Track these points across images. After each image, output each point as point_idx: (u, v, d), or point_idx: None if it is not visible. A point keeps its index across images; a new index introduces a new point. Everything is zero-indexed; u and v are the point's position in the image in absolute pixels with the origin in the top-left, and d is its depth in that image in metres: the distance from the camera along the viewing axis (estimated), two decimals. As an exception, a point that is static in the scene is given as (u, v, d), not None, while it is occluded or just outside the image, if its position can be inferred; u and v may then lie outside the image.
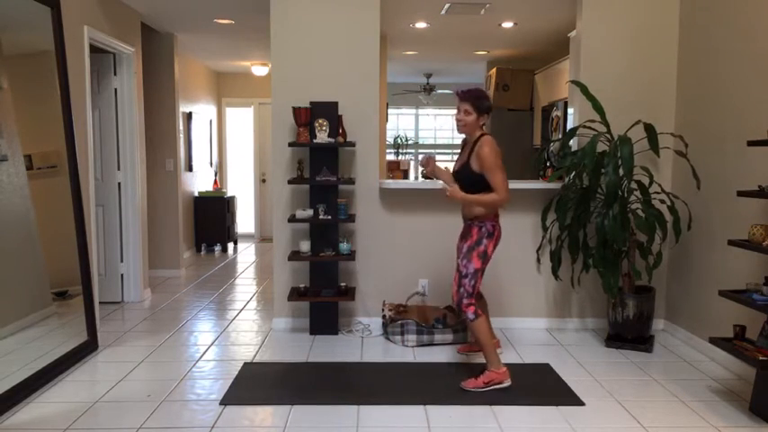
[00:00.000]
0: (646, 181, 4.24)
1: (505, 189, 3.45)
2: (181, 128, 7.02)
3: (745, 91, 3.78)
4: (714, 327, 3.99)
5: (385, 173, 6.94)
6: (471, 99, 3.50)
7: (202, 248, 8.44)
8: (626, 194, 4.17)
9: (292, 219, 4.39)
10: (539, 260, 4.71)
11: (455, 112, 3.60)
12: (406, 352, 4.16)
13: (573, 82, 4.53)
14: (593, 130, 4.34)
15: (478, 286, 3.57)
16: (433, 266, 4.67)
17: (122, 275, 5.49)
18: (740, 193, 3.33)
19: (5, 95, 3.49)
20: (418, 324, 4.29)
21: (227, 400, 3.35)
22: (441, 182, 3.80)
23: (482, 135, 3.54)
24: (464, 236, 3.65)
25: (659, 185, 4.27)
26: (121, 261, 5.47)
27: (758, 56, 3.65)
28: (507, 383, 3.51)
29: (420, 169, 3.76)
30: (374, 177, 4.61)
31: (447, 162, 10.85)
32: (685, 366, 3.94)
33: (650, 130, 4.08)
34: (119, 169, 5.36)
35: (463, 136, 3.71)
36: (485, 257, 3.54)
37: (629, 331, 4.22)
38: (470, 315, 3.49)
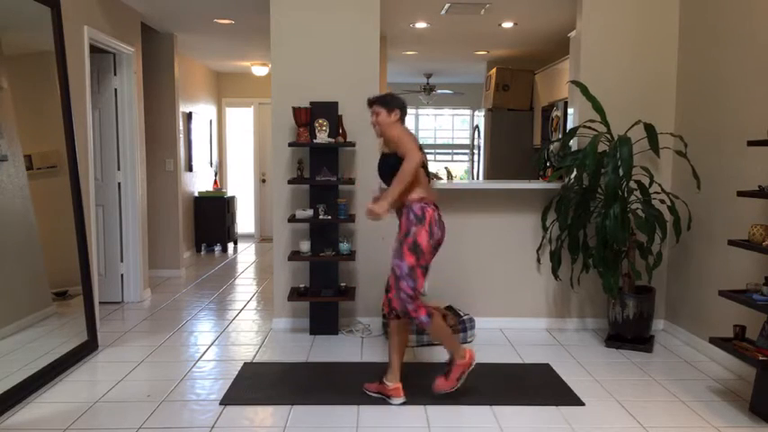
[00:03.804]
0: (646, 181, 4.25)
1: (413, 150, 3.16)
2: (181, 128, 7.02)
3: (744, 91, 3.78)
4: (714, 327, 3.99)
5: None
6: (376, 101, 3.42)
7: (202, 248, 8.44)
8: (626, 194, 4.17)
9: (292, 219, 4.38)
10: (539, 260, 4.71)
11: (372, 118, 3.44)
12: (406, 352, 4.15)
13: (573, 82, 4.53)
14: (594, 130, 4.34)
15: (420, 285, 3.21)
16: (434, 266, 4.63)
17: (122, 275, 5.49)
18: (740, 194, 3.33)
19: (5, 95, 3.49)
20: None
21: (227, 400, 3.35)
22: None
23: None
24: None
25: (659, 185, 4.27)
26: (121, 261, 5.47)
27: (758, 56, 3.65)
28: (473, 364, 3.36)
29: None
30: (374, 177, 4.59)
31: (447, 162, 10.85)
32: (685, 366, 3.94)
33: (650, 130, 4.08)
34: (119, 169, 5.36)
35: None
36: (417, 250, 3.16)
37: (629, 331, 4.22)
38: (423, 318, 3.21)
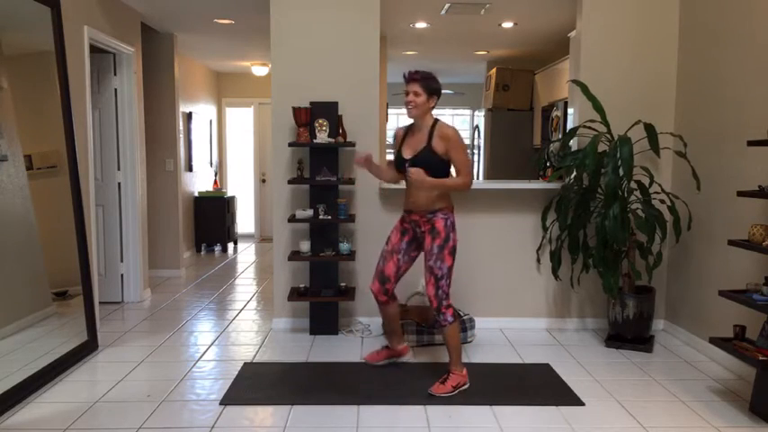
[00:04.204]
0: (646, 181, 4.25)
1: (471, 171, 3.43)
2: (181, 128, 7.02)
3: (744, 91, 3.78)
4: (714, 327, 3.99)
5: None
6: (419, 80, 3.38)
7: (202, 248, 8.44)
8: (626, 194, 4.17)
9: (292, 219, 4.39)
10: (539, 260, 4.71)
11: (405, 96, 3.49)
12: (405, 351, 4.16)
13: (573, 81, 4.53)
14: (594, 130, 4.34)
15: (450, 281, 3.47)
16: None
17: (122, 275, 5.49)
18: (740, 193, 3.33)
19: (5, 95, 3.49)
20: (418, 324, 4.29)
21: (227, 400, 3.35)
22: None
23: (437, 120, 3.47)
24: (408, 231, 3.57)
25: (659, 185, 4.27)
26: (121, 261, 5.47)
27: (758, 56, 3.65)
28: (467, 385, 3.50)
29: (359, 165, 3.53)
30: (374, 177, 4.60)
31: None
32: (685, 366, 3.94)
33: (650, 130, 4.08)
34: (119, 169, 5.36)
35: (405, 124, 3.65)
36: (454, 253, 3.44)
37: (629, 331, 4.22)
38: (449, 318, 3.42)
